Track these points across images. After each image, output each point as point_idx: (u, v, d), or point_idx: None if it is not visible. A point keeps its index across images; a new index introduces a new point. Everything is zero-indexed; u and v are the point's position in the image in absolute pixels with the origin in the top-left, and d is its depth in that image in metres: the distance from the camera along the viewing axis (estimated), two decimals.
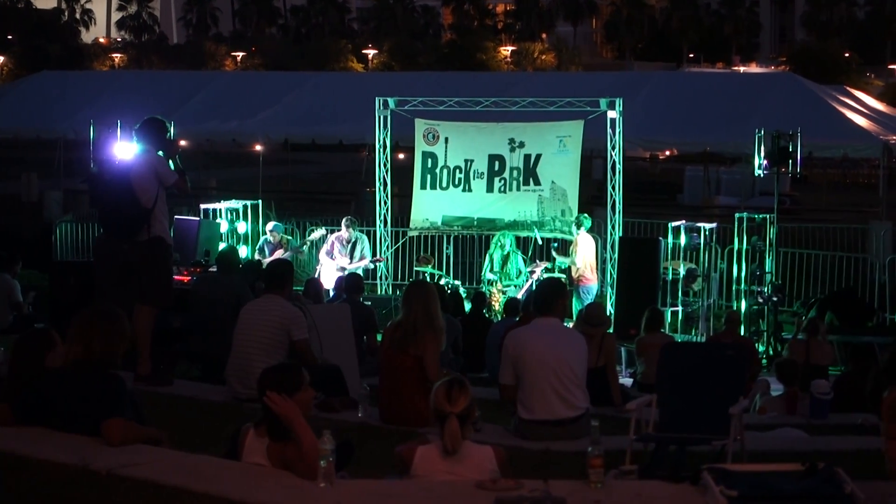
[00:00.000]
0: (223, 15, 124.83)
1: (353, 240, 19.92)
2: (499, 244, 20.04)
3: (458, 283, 20.79)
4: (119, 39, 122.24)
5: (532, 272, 19.54)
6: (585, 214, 20.08)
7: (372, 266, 20.79)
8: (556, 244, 20.12)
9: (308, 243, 20.65)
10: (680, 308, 19.69)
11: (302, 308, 11.33)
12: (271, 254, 19.75)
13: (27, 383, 7.09)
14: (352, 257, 19.73)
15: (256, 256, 19.97)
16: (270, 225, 20.53)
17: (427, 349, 10.13)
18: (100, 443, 6.73)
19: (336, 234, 20.18)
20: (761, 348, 18.58)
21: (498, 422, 10.31)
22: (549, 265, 19.78)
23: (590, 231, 20.28)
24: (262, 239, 20.65)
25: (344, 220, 20.40)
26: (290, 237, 21.05)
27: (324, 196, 40.41)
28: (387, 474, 6.99)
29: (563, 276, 19.46)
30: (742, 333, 18.04)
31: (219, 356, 11.80)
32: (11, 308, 17.04)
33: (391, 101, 21.54)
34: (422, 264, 20.83)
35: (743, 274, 20.07)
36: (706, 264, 20.15)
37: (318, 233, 20.82)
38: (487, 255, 20.34)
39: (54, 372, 7.03)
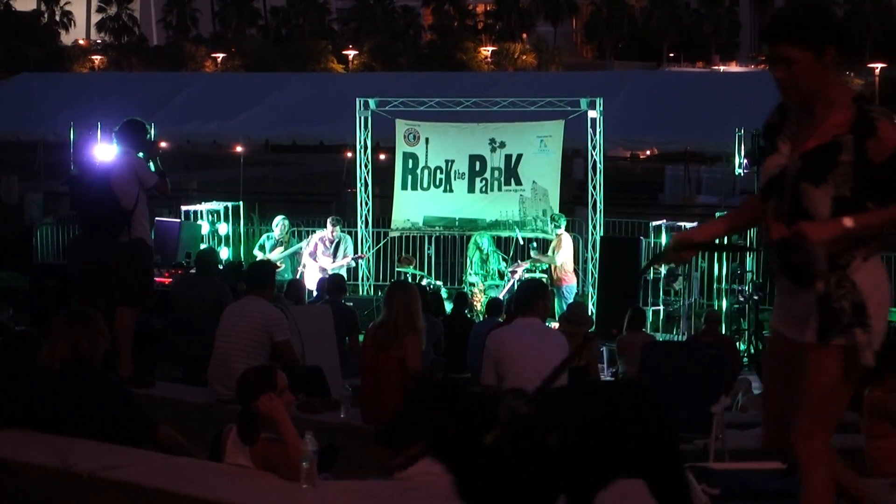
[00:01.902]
0: (203, 16, 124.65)
1: (338, 240, 19.91)
2: (476, 245, 20.05)
3: (439, 283, 20.79)
4: (99, 41, 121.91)
5: (513, 272, 19.55)
6: (561, 213, 20.09)
7: (354, 264, 20.79)
8: (534, 244, 20.12)
9: (305, 245, 20.60)
10: (661, 307, 19.73)
11: (283, 309, 11.32)
12: (271, 251, 19.75)
13: (11, 386, 7.08)
14: (335, 257, 19.72)
15: (257, 252, 19.95)
16: (279, 218, 20.42)
17: (409, 350, 10.13)
18: (82, 445, 6.72)
19: (320, 234, 20.16)
20: (742, 347, 18.61)
21: None
22: (529, 265, 19.79)
23: (569, 230, 20.29)
24: (264, 236, 20.59)
25: (329, 219, 20.39)
26: (293, 237, 20.98)
27: (305, 197, 40.36)
28: (369, 475, 7.00)
29: (545, 276, 19.47)
30: (723, 332, 18.07)
31: (200, 358, 11.78)
32: None
33: (372, 102, 21.54)
34: (403, 265, 20.82)
35: (724, 273, 20.10)
36: (687, 263, 20.17)
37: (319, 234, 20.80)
38: (467, 258, 20.35)
39: (44, 374, 7.02)
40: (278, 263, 18.56)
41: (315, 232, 20.81)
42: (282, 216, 20.58)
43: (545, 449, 4.71)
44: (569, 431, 4.81)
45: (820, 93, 4.97)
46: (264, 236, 20.56)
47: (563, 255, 19.56)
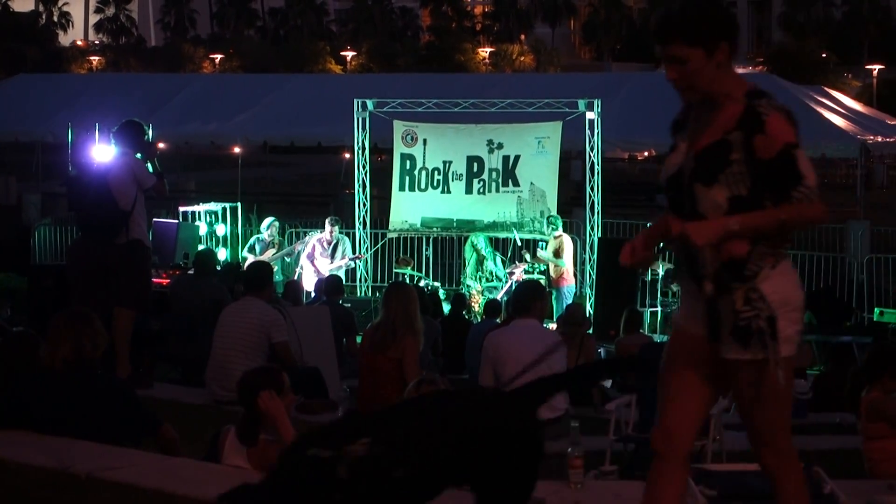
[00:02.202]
0: (201, 17, 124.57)
1: (336, 241, 19.92)
2: (473, 246, 20.06)
3: (437, 284, 20.80)
4: (97, 42, 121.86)
5: (511, 273, 19.55)
6: (556, 215, 20.08)
7: (352, 265, 20.79)
8: (543, 244, 20.10)
9: (302, 246, 20.61)
10: (659, 309, 19.74)
11: (281, 310, 11.33)
12: (261, 253, 19.74)
13: (9, 387, 7.08)
14: (333, 259, 19.72)
15: (245, 254, 19.95)
16: (268, 220, 20.45)
17: (406, 351, 10.13)
18: (81, 445, 6.72)
19: (318, 236, 20.16)
20: None
21: None
22: (528, 266, 19.78)
23: (567, 232, 20.30)
24: (253, 237, 20.60)
25: (328, 220, 20.40)
26: (282, 238, 21.00)
27: (303, 198, 40.37)
28: None
29: (543, 277, 19.48)
30: None
31: (198, 358, 11.78)
32: None
33: (370, 103, 21.54)
34: (401, 266, 20.83)
35: None
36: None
37: (315, 236, 20.82)
38: (465, 260, 20.35)
39: (44, 374, 7.02)
40: (271, 265, 18.58)
41: (313, 233, 20.82)
42: (272, 218, 20.63)
43: (395, 485, 4.43)
44: (414, 458, 4.49)
45: (715, 90, 4.83)
46: (253, 238, 20.57)
47: (568, 256, 19.56)
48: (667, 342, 5.28)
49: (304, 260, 19.88)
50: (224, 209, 22.30)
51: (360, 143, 21.80)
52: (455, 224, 21.11)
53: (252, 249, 19.99)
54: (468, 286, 19.90)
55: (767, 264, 4.74)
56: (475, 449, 4.57)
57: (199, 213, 21.78)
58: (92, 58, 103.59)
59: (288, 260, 20.51)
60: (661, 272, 19.68)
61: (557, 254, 19.51)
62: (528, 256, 19.85)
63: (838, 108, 28.13)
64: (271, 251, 19.89)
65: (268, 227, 20.24)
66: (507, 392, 5.31)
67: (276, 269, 19.33)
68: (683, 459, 5.14)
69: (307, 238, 20.68)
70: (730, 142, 4.71)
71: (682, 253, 4.92)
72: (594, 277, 20.11)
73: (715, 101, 4.83)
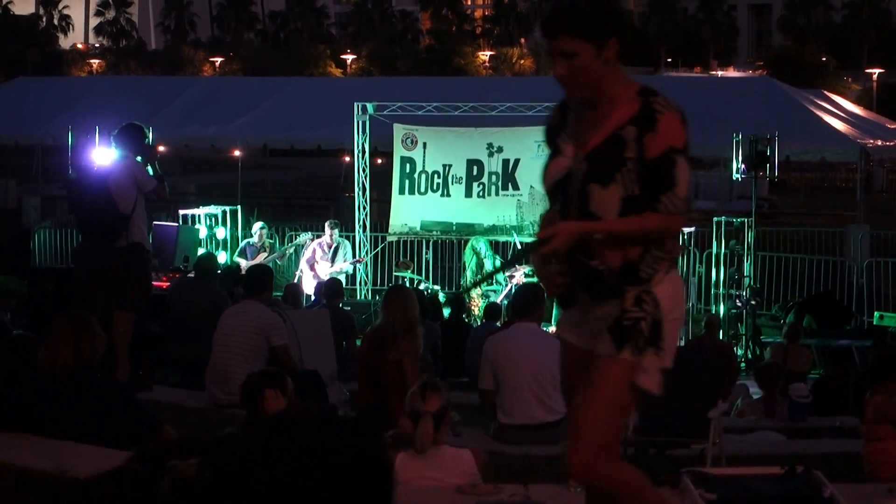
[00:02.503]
0: (201, 20, 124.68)
1: (336, 244, 19.92)
2: (473, 250, 20.06)
3: (437, 287, 20.80)
4: (97, 45, 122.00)
5: (511, 277, 19.56)
6: None
7: (352, 269, 20.79)
8: None
9: (293, 248, 20.60)
10: None
11: (281, 314, 11.33)
12: (253, 257, 19.73)
13: (8, 390, 7.08)
14: (333, 262, 19.72)
15: (237, 259, 19.95)
16: (258, 225, 20.49)
17: (406, 354, 10.13)
18: (80, 448, 6.72)
19: (318, 239, 20.17)
20: (740, 352, 18.62)
21: (478, 426, 10.33)
22: (528, 270, 19.78)
23: None
24: (243, 242, 20.61)
25: (328, 223, 20.40)
26: (272, 241, 21.02)
27: (302, 201, 40.39)
28: None
29: None
30: (720, 337, 18.09)
31: (198, 362, 11.78)
32: None
33: (370, 106, 21.54)
34: (401, 269, 20.82)
35: (721, 278, 20.11)
36: (684, 268, 20.18)
37: (304, 237, 20.83)
38: (465, 264, 20.34)
39: (44, 377, 7.01)
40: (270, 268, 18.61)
41: (302, 235, 20.84)
42: (260, 223, 20.68)
43: None
44: (241, 486, 4.37)
45: (603, 88, 4.68)
46: (244, 242, 20.58)
47: None
48: (560, 355, 5.03)
49: (303, 263, 19.88)
50: (224, 212, 22.29)
51: (360, 147, 21.80)
52: (455, 227, 21.11)
53: (243, 254, 19.99)
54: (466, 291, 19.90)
55: (662, 268, 4.65)
56: (320, 480, 4.42)
57: (199, 216, 21.77)
58: (92, 61, 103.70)
59: (280, 263, 20.53)
60: None
61: None
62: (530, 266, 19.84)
63: (838, 112, 28.13)
64: (263, 254, 19.90)
65: (257, 231, 20.29)
66: (357, 419, 5.15)
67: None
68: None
69: (297, 240, 20.70)
70: (623, 138, 4.57)
71: (569, 259, 4.72)
72: None
73: (600, 99, 4.69)
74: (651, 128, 4.54)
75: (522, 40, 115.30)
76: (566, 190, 4.70)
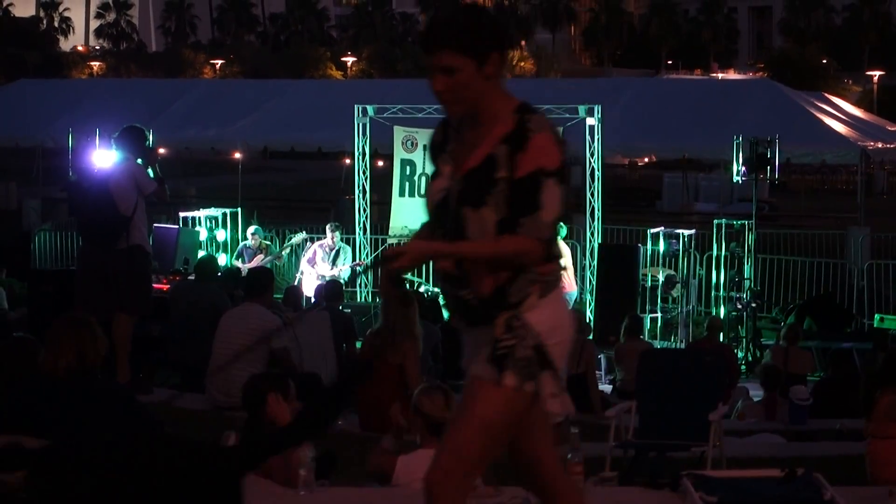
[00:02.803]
0: (202, 23, 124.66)
1: (337, 248, 19.91)
2: None
3: (437, 289, 20.78)
4: (97, 47, 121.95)
5: None
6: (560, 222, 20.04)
7: (351, 272, 20.77)
8: None
9: (289, 248, 20.60)
10: (659, 315, 19.72)
11: (281, 316, 11.33)
12: (250, 260, 19.73)
13: (9, 393, 7.07)
14: (333, 265, 19.72)
15: (235, 262, 19.94)
16: (252, 228, 20.51)
17: (407, 356, 10.14)
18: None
19: (318, 242, 20.15)
20: (740, 354, 18.62)
21: None
22: None
23: (568, 238, 20.29)
24: (241, 244, 20.62)
25: (328, 225, 20.38)
26: (269, 243, 21.02)
27: (303, 204, 40.40)
28: (367, 482, 7.00)
29: None
30: (721, 340, 18.08)
31: (198, 364, 11.78)
32: None
33: (370, 109, 21.52)
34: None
35: (722, 280, 20.10)
36: (685, 271, 20.18)
37: (300, 237, 20.82)
38: None
39: (45, 380, 7.00)
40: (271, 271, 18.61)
41: (295, 235, 20.85)
42: (253, 227, 20.69)
43: None
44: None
45: (484, 105, 4.47)
46: (241, 245, 20.58)
47: (564, 262, 19.53)
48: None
49: (304, 265, 19.88)
50: (224, 215, 22.29)
51: (361, 149, 21.78)
52: None
53: (240, 256, 19.99)
54: None
55: (535, 292, 4.43)
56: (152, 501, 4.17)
57: (200, 218, 21.77)
58: (93, 63, 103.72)
59: (277, 264, 20.53)
60: (661, 278, 19.69)
61: None
62: None
63: (838, 114, 28.11)
64: (260, 256, 19.90)
65: (252, 234, 20.31)
66: (224, 448, 4.97)
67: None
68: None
69: (292, 240, 20.70)
70: (496, 158, 4.37)
71: (447, 285, 4.58)
72: (594, 283, 20.10)
73: (480, 117, 4.49)
74: (521, 147, 4.35)
75: (523, 43, 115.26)
76: (446, 214, 4.51)
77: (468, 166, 4.44)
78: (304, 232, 21.20)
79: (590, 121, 20.17)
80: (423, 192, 20.93)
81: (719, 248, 20.16)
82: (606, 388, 15.56)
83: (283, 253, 20.57)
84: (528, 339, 4.39)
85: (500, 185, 4.35)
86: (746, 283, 19.56)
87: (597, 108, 20.25)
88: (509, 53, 4.31)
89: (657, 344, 18.58)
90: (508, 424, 4.50)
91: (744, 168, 19.30)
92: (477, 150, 4.44)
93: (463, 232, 4.40)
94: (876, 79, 78.86)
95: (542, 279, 4.46)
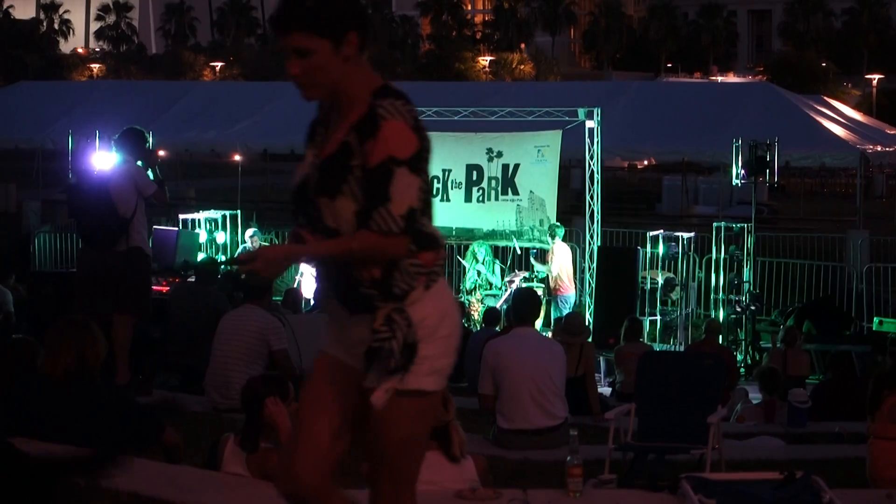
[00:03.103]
0: (201, 25, 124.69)
1: None
2: (473, 255, 20.07)
3: None
4: (97, 49, 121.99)
5: (511, 282, 19.55)
6: (558, 224, 20.07)
7: None
8: (534, 252, 20.14)
9: None
10: (658, 317, 19.74)
11: (281, 318, 11.33)
12: None
13: (8, 394, 7.08)
14: None
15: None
16: (250, 231, 20.52)
17: None
18: (79, 454, 6.71)
19: None
20: (739, 357, 18.63)
21: (477, 431, 10.33)
22: (527, 275, 19.78)
23: (567, 240, 20.31)
24: (241, 248, 20.62)
25: None
26: (267, 245, 21.01)
27: None
28: (364, 484, 6.99)
29: (542, 285, 19.47)
30: (720, 342, 18.09)
31: (197, 366, 11.78)
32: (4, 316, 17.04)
33: None
34: None
35: (721, 283, 20.11)
36: (684, 274, 20.20)
37: None
38: (467, 268, 20.34)
39: (45, 382, 7.01)
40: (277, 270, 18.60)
41: None
42: (252, 229, 20.70)
43: None
44: None
45: (344, 88, 4.23)
46: (240, 248, 20.58)
47: (556, 264, 19.54)
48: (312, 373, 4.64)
49: (303, 268, 19.87)
50: (224, 217, 22.30)
51: None
52: (454, 232, 21.09)
53: None
54: (468, 293, 19.91)
55: (420, 283, 4.22)
56: None
57: (199, 220, 21.79)
58: (92, 65, 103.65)
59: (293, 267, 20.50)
60: (660, 281, 19.71)
61: (546, 259, 19.56)
62: (533, 261, 19.85)
63: (838, 118, 28.14)
64: None
65: (251, 237, 20.32)
66: (38, 459, 4.87)
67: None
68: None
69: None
70: (350, 145, 4.15)
71: (324, 274, 4.37)
72: (593, 286, 20.11)
73: (341, 101, 4.26)
74: (371, 134, 4.11)
75: (522, 45, 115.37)
76: (305, 200, 4.29)
77: (325, 153, 4.24)
78: None
79: (589, 123, 20.18)
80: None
81: (718, 251, 20.17)
82: (606, 390, 15.57)
83: None
84: (404, 334, 4.16)
85: (356, 174, 4.13)
86: (746, 286, 19.57)
87: (596, 111, 20.26)
88: (370, 31, 4.01)
89: (656, 346, 18.59)
90: (418, 427, 4.36)
91: (743, 171, 19.30)
92: (334, 137, 4.24)
93: (321, 221, 4.20)
94: (875, 82, 78.86)
95: (426, 270, 4.26)
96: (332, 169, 4.17)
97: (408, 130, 4.13)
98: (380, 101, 4.16)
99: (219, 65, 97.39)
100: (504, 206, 20.67)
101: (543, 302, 16.18)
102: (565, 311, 18.18)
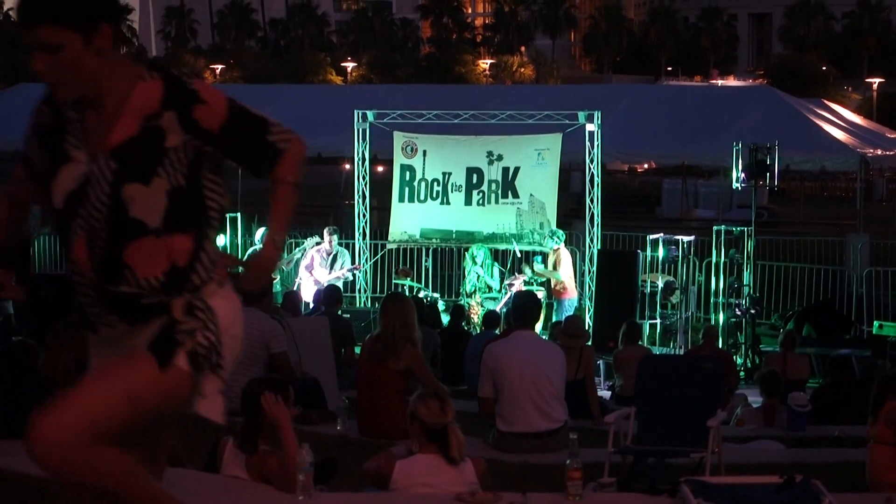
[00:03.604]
0: (202, 28, 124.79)
1: (335, 252, 19.91)
2: (472, 258, 20.06)
3: (436, 295, 20.79)
4: None
5: (511, 285, 19.54)
6: (557, 229, 20.04)
7: (350, 277, 20.76)
8: (538, 257, 20.11)
9: (300, 254, 20.57)
10: (658, 321, 19.74)
11: (280, 321, 11.31)
12: None
13: (8, 396, 7.08)
14: (331, 269, 19.72)
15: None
16: (260, 231, 20.45)
17: (413, 361, 10.12)
18: None
19: (316, 246, 20.15)
20: (739, 361, 18.62)
21: (477, 434, 10.32)
22: (527, 278, 19.77)
23: (567, 244, 20.30)
24: (251, 249, 20.58)
25: (326, 229, 20.37)
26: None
27: (303, 209, 40.35)
28: (365, 487, 7.00)
29: (542, 289, 19.46)
30: (720, 346, 18.09)
31: None
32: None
33: (370, 114, 21.53)
34: (400, 277, 20.81)
35: (721, 286, 20.11)
36: (684, 277, 20.19)
37: (312, 242, 20.81)
38: (466, 271, 20.33)
39: (45, 384, 7.01)
40: (272, 276, 18.58)
41: (307, 241, 20.82)
42: (264, 228, 20.60)
43: None
44: None
45: (101, 83, 3.99)
46: (250, 250, 20.57)
47: (565, 270, 19.53)
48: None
49: (302, 270, 19.87)
50: (224, 219, 22.29)
51: (360, 154, 21.80)
52: (454, 235, 21.11)
53: None
54: (468, 296, 19.90)
55: (216, 277, 4.14)
56: None
57: None
58: None
59: (286, 269, 20.49)
60: (660, 284, 19.70)
61: (555, 267, 19.52)
62: (528, 270, 19.82)
63: (838, 121, 28.13)
64: None
65: (261, 238, 20.25)
66: None
67: (276, 279, 19.36)
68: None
69: (305, 244, 20.66)
70: (161, 128, 3.98)
71: (105, 282, 4.07)
72: (593, 289, 20.11)
73: (100, 95, 4.01)
74: (197, 100, 4.00)
75: (522, 49, 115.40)
76: (84, 202, 4.02)
77: (113, 144, 3.98)
78: (317, 237, 21.14)
79: (589, 127, 20.18)
80: (423, 197, 20.95)
81: (718, 255, 20.18)
82: (605, 394, 15.56)
83: (296, 258, 20.51)
84: (209, 326, 4.05)
85: (173, 154, 4.00)
86: (745, 289, 19.57)
87: (596, 115, 20.26)
88: (124, 21, 3.77)
89: (656, 350, 18.59)
90: (157, 407, 4.07)
91: (743, 174, 19.30)
92: (118, 126, 3.99)
93: (126, 215, 3.97)
94: (875, 86, 78.90)
95: (222, 266, 4.18)
96: (140, 155, 3.98)
97: (206, 81, 4.09)
98: (174, 76, 4.05)
99: (219, 67, 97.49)
100: (504, 210, 20.66)
101: (544, 305, 16.15)
102: (566, 316, 18.16)
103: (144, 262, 4.02)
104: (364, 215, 22.12)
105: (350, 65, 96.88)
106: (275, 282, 18.50)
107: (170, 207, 4.00)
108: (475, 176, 20.83)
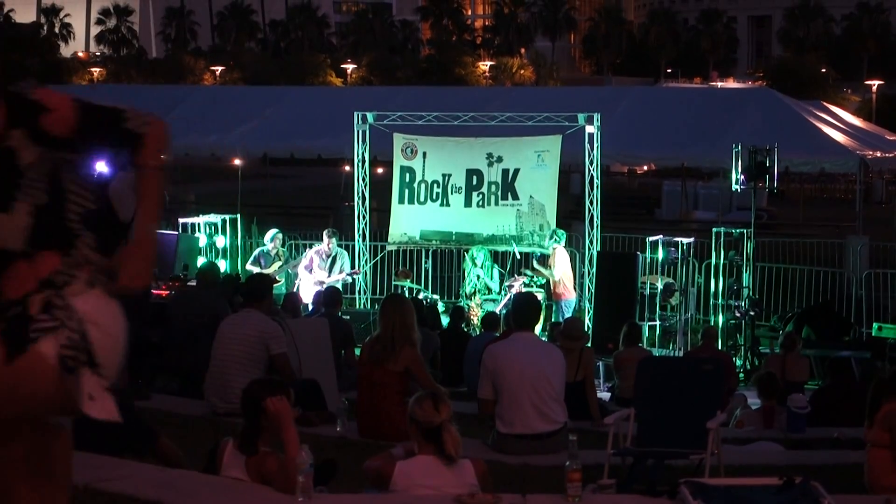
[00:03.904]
0: (202, 29, 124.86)
1: (334, 254, 19.91)
2: (472, 259, 20.07)
3: (436, 297, 20.79)
4: (98, 54, 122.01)
5: (510, 286, 19.55)
6: (558, 229, 20.06)
7: (350, 280, 20.77)
8: (537, 256, 20.13)
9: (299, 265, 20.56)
10: (658, 322, 19.75)
11: (280, 322, 11.32)
12: (268, 265, 19.70)
13: None
14: (330, 272, 19.72)
15: (251, 267, 19.90)
16: (271, 233, 20.40)
17: (412, 362, 10.13)
18: (77, 456, 6.71)
19: (315, 248, 20.15)
20: (739, 362, 18.63)
21: (476, 436, 10.32)
22: (527, 280, 19.77)
23: (567, 245, 20.31)
24: (258, 249, 20.56)
25: (325, 231, 20.37)
26: (284, 249, 20.94)
27: (302, 210, 40.38)
28: (365, 488, 7.00)
29: (542, 290, 19.47)
30: (719, 348, 18.09)
31: (197, 370, 11.78)
32: None
33: (370, 116, 21.53)
34: (400, 278, 20.81)
35: (720, 288, 20.12)
36: (684, 279, 20.20)
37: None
38: (466, 272, 20.33)
39: None
40: (277, 278, 18.60)
41: (312, 246, 20.83)
42: (275, 230, 20.59)
43: None
44: None
45: None
46: (258, 250, 20.55)
47: (559, 269, 19.54)
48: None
49: (302, 272, 19.87)
50: (224, 221, 22.30)
51: (360, 156, 21.80)
52: (454, 237, 21.11)
53: (257, 262, 19.93)
54: (468, 298, 19.91)
55: (82, 275, 3.96)
56: None
57: (199, 224, 21.78)
58: (93, 69, 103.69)
59: (292, 272, 20.48)
60: (660, 286, 19.71)
61: (549, 264, 19.54)
62: (527, 272, 19.83)
63: (837, 123, 28.14)
64: (277, 264, 19.88)
65: (272, 238, 20.22)
66: None
67: (281, 281, 19.37)
68: None
69: (308, 251, 20.66)
70: (11, 148, 3.84)
71: None
72: (593, 291, 20.12)
73: None
74: (41, 111, 3.85)
75: (522, 50, 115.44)
76: None
77: None
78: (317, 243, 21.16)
79: (589, 129, 20.20)
80: (422, 199, 20.95)
81: (718, 257, 20.18)
82: (605, 395, 15.56)
83: (297, 266, 20.49)
84: (73, 324, 3.84)
85: (31, 172, 3.88)
86: (745, 291, 19.58)
87: (596, 116, 20.27)
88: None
89: (656, 352, 18.59)
90: (6, 402, 3.84)
91: (743, 176, 19.30)
92: None
93: None
94: (875, 88, 78.88)
95: (98, 266, 4.02)
96: None
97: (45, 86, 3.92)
98: (13, 89, 3.90)
99: (219, 69, 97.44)
100: (504, 211, 20.67)
101: (544, 307, 16.16)
102: (565, 316, 18.17)
103: (13, 287, 3.87)
104: (364, 217, 22.12)
105: (350, 66, 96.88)
106: (279, 284, 18.55)
107: (34, 225, 3.89)
108: (475, 178, 20.83)
